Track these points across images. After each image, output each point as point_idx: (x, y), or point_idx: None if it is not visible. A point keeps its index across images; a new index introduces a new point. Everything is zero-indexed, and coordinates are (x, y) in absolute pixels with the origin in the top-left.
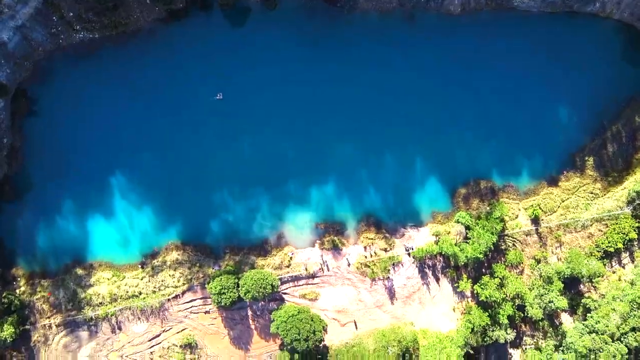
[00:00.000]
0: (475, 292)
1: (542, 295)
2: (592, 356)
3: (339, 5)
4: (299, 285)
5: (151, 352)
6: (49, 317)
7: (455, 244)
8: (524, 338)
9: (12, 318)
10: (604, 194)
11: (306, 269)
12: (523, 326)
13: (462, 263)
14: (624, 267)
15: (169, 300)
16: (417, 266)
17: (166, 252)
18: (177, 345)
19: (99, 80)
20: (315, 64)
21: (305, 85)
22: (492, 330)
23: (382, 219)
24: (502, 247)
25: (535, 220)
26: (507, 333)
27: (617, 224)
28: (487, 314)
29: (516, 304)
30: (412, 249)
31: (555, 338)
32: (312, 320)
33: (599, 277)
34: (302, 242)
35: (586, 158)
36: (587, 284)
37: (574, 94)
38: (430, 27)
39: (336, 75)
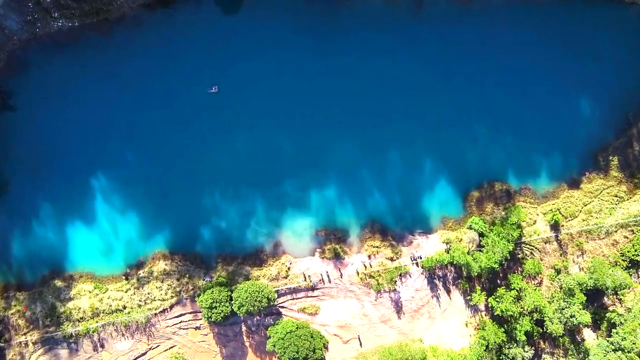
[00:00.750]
0: (489, 305)
1: (562, 309)
2: None
3: None
4: (298, 298)
5: None
6: (25, 334)
7: (468, 253)
8: (543, 356)
9: None
10: (630, 197)
11: (305, 280)
12: (542, 343)
13: (476, 273)
14: None
15: (155, 314)
16: (426, 277)
17: (153, 262)
18: None
19: (80, 72)
20: (314, 55)
21: (303, 78)
22: (509, 348)
23: (388, 225)
24: (519, 256)
25: (555, 226)
26: (524, 351)
27: None
28: (502, 329)
29: (534, 319)
30: (421, 258)
31: (577, 356)
32: (311, 337)
33: (624, 288)
34: (300, 250)
35: (610, 158)
36: (611, 296)
37: (596, 87)
38: (439, 16)
39: (337, 67)
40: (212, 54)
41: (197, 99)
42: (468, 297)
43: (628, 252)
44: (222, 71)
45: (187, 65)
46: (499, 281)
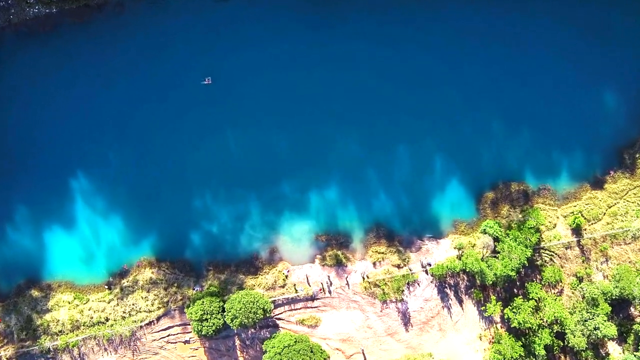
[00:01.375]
0: (505, 316)
1: (585, 321)
2: None
3: None
4: (296, 309)
5: None
6: None
7: (482, 259)
8: None
9: None
10: None
11: (304, 290)
12: (563, 358)
13: (490, 282)
14: None
15: (141, 327)
16: (436, 286)
17: (138, 269)
18: None
19: (58, 63)
20: (315, 45)
21: (302, 70)
22: None
23: (395, 229)
24: (538, 263)
25: (577, 230)
26: None
27: None
28: (520, 343)
29: (555, 331)
30: (431, 265)
31: None
32: (311, 352)
33: None
34: (299, 257)
35: (637, 155)
36: (638, 306)
37: (621, 78)
38: (447, 1)
39: (338, 58)
40: (204, 44)
41: (187, 92)
42: (482, 308)
43: None
44: (216, 62)
45: (177, 56)
46: (515, 290)
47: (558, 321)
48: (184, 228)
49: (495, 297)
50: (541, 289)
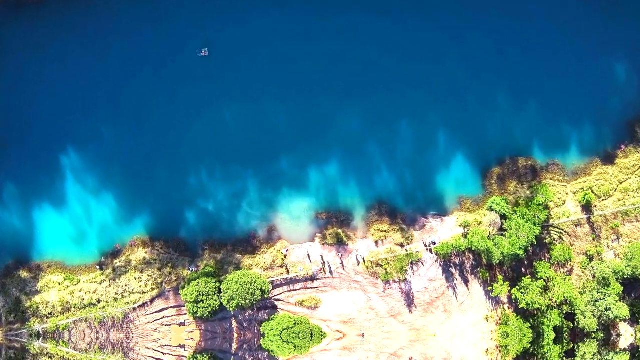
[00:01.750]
0: (513, 297)
1: (596, 301)
2: None
3: None
4: (295, 290)
5: None
6: None
7: (488, 238)
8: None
9: None
10: None
11: (304, 270)
12: (573, 339)
13: (497, 261)
14: None
15: (134, 309)
16: (440, 265)
17: (131, 249)
18: None
19: (49, 36)
20: (314, 15)
21: (302, 41)
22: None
23: (398, 206)
24: (547, 241)
25: (587, 207)
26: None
27: None
28: (528, 324)
29: (564, 312)
30: (435, 243)
31: None
32: (311, 334)
33: None
34: (298, 236)
35: None
36: None
37: (632, 48)
38: None
39: (339, 29)
40: (201, 14)
41: (183, 64)
42: (489, 288)
43: None
44: (213, 33)
45: (173, 26)
46: (523, 270)
47: (568, 302)
48: (179, 206)
49: (502, 277)
50: (550, 268)
